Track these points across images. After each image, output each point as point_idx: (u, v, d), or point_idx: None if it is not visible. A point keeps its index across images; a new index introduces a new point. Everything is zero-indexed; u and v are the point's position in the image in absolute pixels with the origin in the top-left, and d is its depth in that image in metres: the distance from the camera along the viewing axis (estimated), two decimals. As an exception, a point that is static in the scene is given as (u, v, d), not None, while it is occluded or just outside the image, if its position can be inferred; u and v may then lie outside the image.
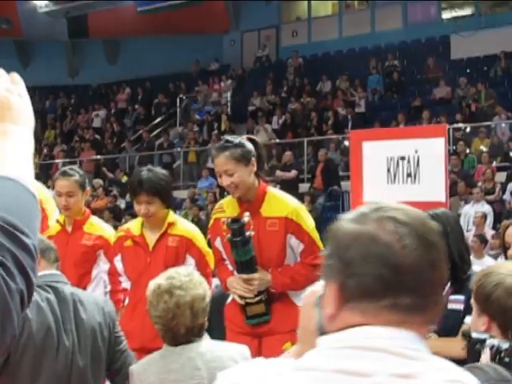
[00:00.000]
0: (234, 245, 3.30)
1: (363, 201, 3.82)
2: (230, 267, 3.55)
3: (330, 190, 13.02)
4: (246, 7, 22.37)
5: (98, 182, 15.66)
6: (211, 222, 3.62)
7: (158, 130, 18.64)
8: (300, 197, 13.01)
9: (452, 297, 3.10)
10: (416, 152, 3.65)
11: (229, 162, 3.31)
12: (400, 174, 3.69)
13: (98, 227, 4.06)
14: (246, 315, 3.42)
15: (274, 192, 3.50)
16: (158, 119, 19.13)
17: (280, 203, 3.41)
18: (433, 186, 3.61)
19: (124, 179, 15.50)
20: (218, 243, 3.57)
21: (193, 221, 13.08)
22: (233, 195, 3.44)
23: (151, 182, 3.59)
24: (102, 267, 3.95)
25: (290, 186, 13.42)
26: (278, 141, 15.73)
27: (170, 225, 3.72)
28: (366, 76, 17.74)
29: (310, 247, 3.39)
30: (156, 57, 21.72)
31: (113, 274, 3.83)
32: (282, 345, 3.36)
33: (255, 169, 3.39)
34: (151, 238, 3.71)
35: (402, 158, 3.68)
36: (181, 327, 2.44)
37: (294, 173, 13.64)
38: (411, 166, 3.66)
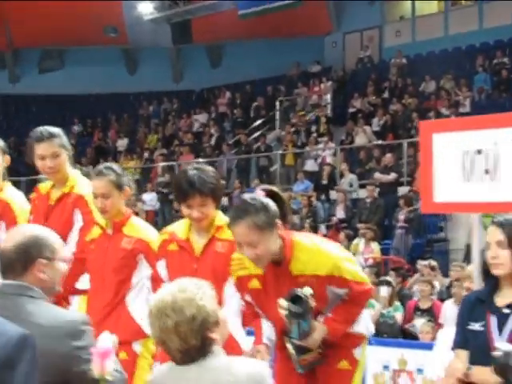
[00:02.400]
0: (294, 324, 2.88)
1: (434, 202, 3.41)
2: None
3: (430, 194, 12.40)
4: (348, 8, 21.93)
5: (196, 185, 15.70)
6: (234, 279, 3.17)
7: (256, 134, 18.51)
8: (397, 200, 12.51)
9: None
10: (495, 144, 3.19)
11: (251, 232, 2.81)
12: (476, 170, 3.24)
13: (139, 229, 3.72)
14: (299, 365, 3.06)
15: (303, 243, 2.97)
16: (257, 122, 19.01)
17: (314, 258, 2.92)
18: (514, 183, 3.15)
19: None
20: (248, 298, 3.17)
21: (286, 225, 12.81)
22: (256, 266, 2.99)
23: (203, 182, 3.21)
24: (144, 273, 3.63)
25: (388, 190, 12.92)
26: (377, 142, 15.20)
27: (219, 228, 3.32)
28: (473, 75, 16.90)
29: (357, 290, 3.01)
30: (257, 60, 21.69)
31: (156, 280, 3.48)
32: (337, 364, 3.10)
33: (280, 229, 2.90)
34: (198, 242, 3.34)
35: (479, 152, 3.23)
36: (174, 352, 2.25)
37: (393, 176, 13.12)
38: (489, 161, 3.21)
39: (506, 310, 2.68)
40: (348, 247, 11.26)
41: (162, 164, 17.52)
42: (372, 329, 3.27)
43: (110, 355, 2.25)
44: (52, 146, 3.96)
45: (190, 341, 2.21)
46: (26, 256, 2.34)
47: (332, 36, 22.40)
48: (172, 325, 2.20)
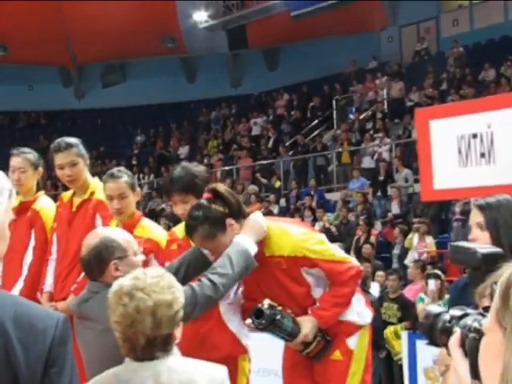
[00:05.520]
0: (271, 333, 3.00)
1: (434, 188, 3.36)
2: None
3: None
4: (403, 1, 21.61)
5: (253, 188, 15.81)
6: None
7: (314, 134, 18.47)
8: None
9: None
10: (489, 127, 3.12)
11: (205, 242, 2.98)
12: (472, 154, 3.18)
13: (148, 230, 3.79)
14: (310, 357, 3.13)
15: (272, 226, 3.06)
16: (314, 123, 18.97)
17: (279, 240, 3.00)
18: (510, 165, 3.08)
19: (277, 184, 15.50)
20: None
21: (341, 222, 12.74)
22: None
23: (182, 180, 3.29)
24: None
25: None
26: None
27: None
28: (535, 60, 16.38)
29: (330, 269, 3.00)
30: (313, 60, 21.65)
31: None
32: (331, 354, 3.10)
33: (235, 227, 2.97)
34: None
35: (474, 136, 3.17)
36: (140, 336, 2.10)
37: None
38: (484, 145, 3.14)
39: None
40: (403, 242, 11.10)
41: (220, 169, 17.70)
42: (368, 316, 3.17)
43: None
44: (69, 155, 4.11)
45: (162, 328, 2.11)
46: (100, 259, 2.65)
47: (388, 31, 22.14)
48: (151, 305, 2.09)
